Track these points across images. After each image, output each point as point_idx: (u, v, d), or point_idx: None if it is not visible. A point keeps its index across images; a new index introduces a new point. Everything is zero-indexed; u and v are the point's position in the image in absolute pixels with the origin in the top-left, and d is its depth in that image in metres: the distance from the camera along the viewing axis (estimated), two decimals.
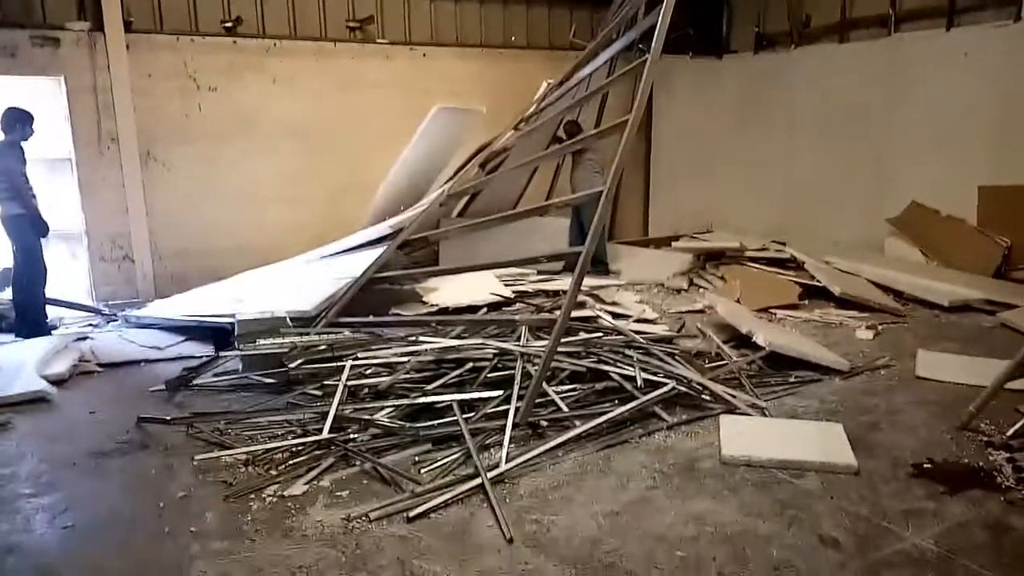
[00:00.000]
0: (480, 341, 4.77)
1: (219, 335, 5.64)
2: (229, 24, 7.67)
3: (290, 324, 5.12)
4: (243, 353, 4.77)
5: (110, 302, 7.13)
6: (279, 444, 3.74)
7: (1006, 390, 3.89)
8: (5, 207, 5.70)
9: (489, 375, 4.32)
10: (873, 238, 8.01)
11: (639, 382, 4.26)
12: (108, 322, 6.45)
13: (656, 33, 4.37)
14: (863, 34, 8.32)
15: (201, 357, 5.27)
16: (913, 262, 7.40)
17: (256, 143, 7.78)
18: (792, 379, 4.67)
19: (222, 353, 5.19)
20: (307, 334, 5.03)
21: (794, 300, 6.49)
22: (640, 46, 8.96)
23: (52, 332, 5.95)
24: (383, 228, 6.54)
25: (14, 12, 6.78)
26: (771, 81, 9.34)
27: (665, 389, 4.19)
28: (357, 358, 4.53)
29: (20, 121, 5.75)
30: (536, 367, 4.15)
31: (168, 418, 4.12)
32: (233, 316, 5.26)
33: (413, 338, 4.89)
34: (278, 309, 5.34)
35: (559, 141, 7.75)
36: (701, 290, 7.18)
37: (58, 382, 4.85)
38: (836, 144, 8.49)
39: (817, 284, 6.68)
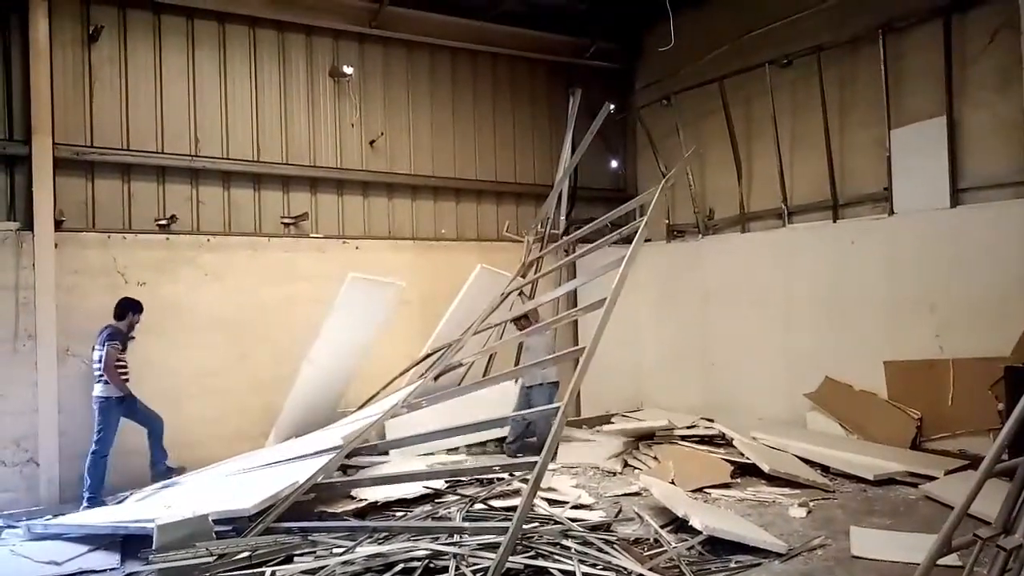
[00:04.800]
0: (410, 544, 4.54)
1: (129, 545, 5.20)
2: (163, 222, 7.86)
3: (213, 529, 4.78)
4: (154, 568, 4.39)
5: (5, 512, 6.54)
6: None
7: (939, 566, 3.92)
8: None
9: None
10: (792, 411, 8.30)
11: None
12: (1, 534, 5.88)
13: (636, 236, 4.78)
14: (760, 225, 9.18)
15: (104, 571, 4.81)
16: (835, 435, 7.65)
17: (183, 337, 7.70)
18: (732, 564, 4.59)
19: (131, 569, 4.76)
20: (233, 541, 4.70)
21: (727, 479, 6.53)
22: (565, 235, 9.71)
23: None
24: (334, 438, 6.35)
25: None
26: (684, 267, 10.03)
27: None
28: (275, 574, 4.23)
29: (131, 309, 7.05)
30: (471, 568, 3.97)
31: None
32: (153, 521, 4.88)
33: (343, 542, 4.64)
34: (209, 509, 5.01)
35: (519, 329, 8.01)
36: (636, 471, 7.16)
37: None
38: (748, 323, 9.01)
39: (747, 461, 6.77)
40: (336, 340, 7.49)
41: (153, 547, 4.58)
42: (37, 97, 7.10)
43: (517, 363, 8.78)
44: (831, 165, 8.14)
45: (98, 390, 6.75)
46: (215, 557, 4.40)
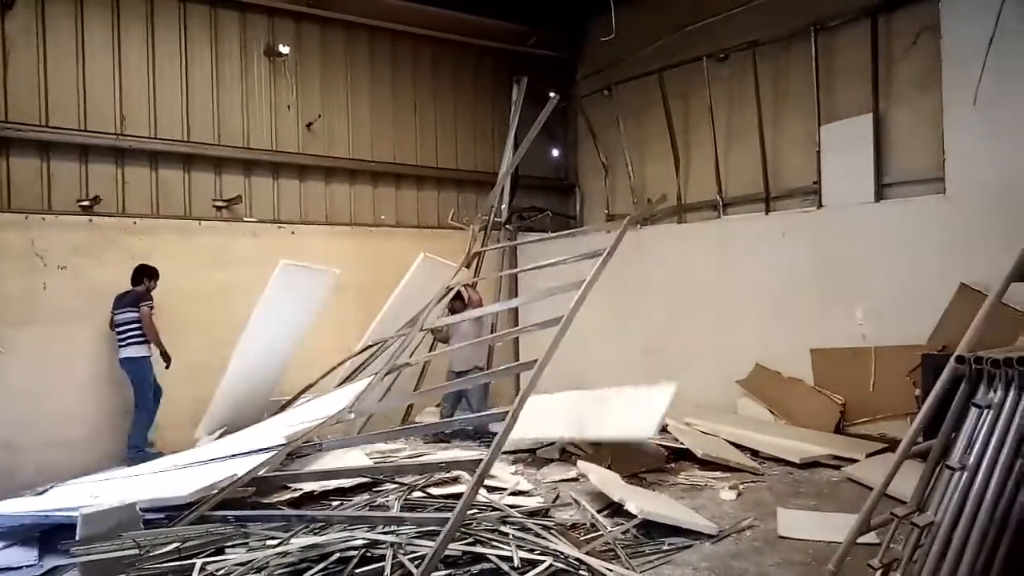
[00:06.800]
0: (346, 533, 4.48)
1: (48, 539, 4.97)
2: (86, 203, 7.51)
3: (141, 519, 4.61)
4: (76, 561, 4.21)
5: None
6: None
7: (859, 544, 4.11)
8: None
9: (356, 570, 4.04)
10: (726, 398, 8.53)
11: (516, 561, 4.13)
12: None
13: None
14: (697, 216, 9.38)
15: (21, 568, 4.59)
16: (764, 421, 7.91)
17: (105, 323, 7.38)
18: (665, 547, 4.70)
19: (50, 564, 4.55)
20: (161, 531, 4.53)
21: (661, 464, 6.67)
22: (507, 226, 9.74)
23: None
24: (276, 436, 6.17)
25: None
26: (624, 256, 10.12)
27: (542, 568, 4.07)
28: (206, 566, 4.11)
29: (146, 275, 7.34)
30: (409, 556, 3.95)
31: None
32: (77, 510, 4.66)
33: (278, 533, 4.54)
34: (140, 497, 4.83)
35: (451, 310, 7.99)
36: (573, 457, 7.23)
37: None
38: (685, 311, 9.20)
39: (681, 446, 6.93)
40: (268, 329, 7.31)
41: (77, 538, 4.38)
42: None
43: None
44: (764, 158, 8.37)
45: (129, 351, 7.11)
46: (141, 549, 4.24)
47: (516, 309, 10.28)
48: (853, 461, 6.46)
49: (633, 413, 6.25)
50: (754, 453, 6.93)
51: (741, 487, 6.00)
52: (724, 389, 8.61)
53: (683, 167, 9.48)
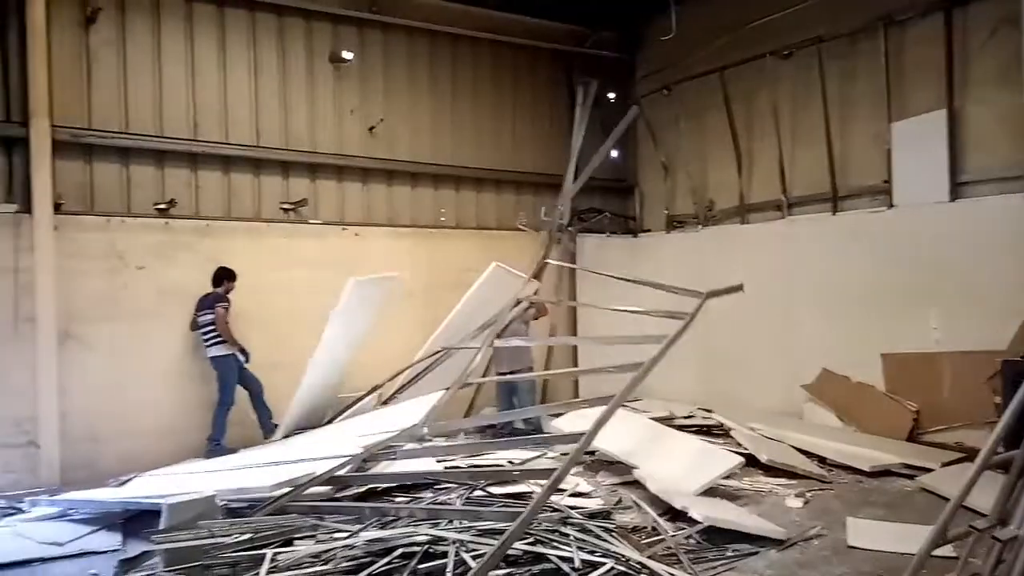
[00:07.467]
0: (410, 529, 4.57)
1: (131, 526, 5.23)
2: (163, 206, 7.83)
3: (220, 510, 4.83)
4: (158, 548, 4.41)
5: (7, 493, 6.55)
6: None
7: (934, 557, 3.97)
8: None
9: (419, 566, 4.11)
10: (790, 403, 8.34)
11: (577, 562, 4.14)
12: (3, 516, 5.89)
13: None
14: (760, 216, 9.19)
15: (106, 552, 4.84)
16: (832, 427, 7.70)
17: (180, 322, 7.70)
18: (729, 553, 4.63)
19: (133, 550, 4.78)
20: (236, 521, 4.73)
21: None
22: (569, 228, 9.77)
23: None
24: (353, 443, 6.35)
25: None
26: (684, 257, 10.04)
27: (604, 570, 4.07)
28: (277, 556, 4.25)
29: (226, 277, 7.68)
30: (471, 553, 4.00)
31: None
32: (162, 499, 4.90)
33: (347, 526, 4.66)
34: (221, 489, 5.06)
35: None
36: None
37: None
38: (746, 314, 9.01)
39: (745, 451, 6.81)
40: (338, 337, 7.53)
41: (161, 526, 4.61)
42: (34, 79, 7.06)
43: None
44: (831, 157, 8.15)
45: (213, 351, 7.50)
46: (217, 538, 4.42)
47: (575, 314, 10.30)
48: (927, 471, 6.25)
49: (685, 469, 6.01)
50: (821, 460, 6.76)
51: (808, 495, 5.87)
52: (787, 394, 8.42)
53: (745, 166, 9.31)
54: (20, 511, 5.95)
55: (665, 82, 10.10)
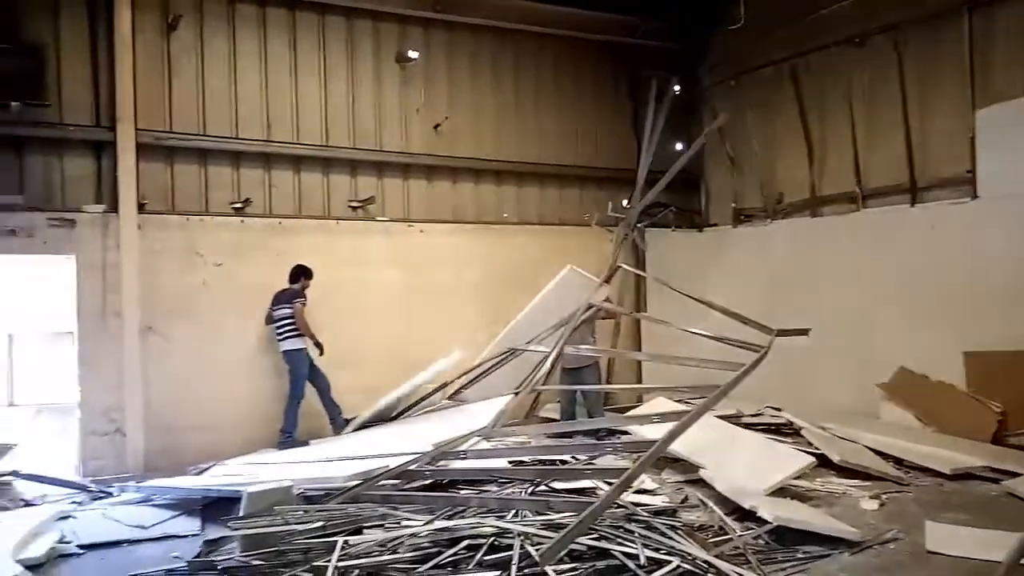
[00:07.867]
0: (476, 520, 4.63)
1: (209, 512, 5.47)
2: (238, 205, 8.13)
3: (296, 498, 4.99)
4: (236, 534, 4.60)
5: (97, 478, 6.94)
6: None
7: (1022, 565, 3.78)
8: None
9: (485, 557, 4.16)
10: (864, 402, 8.04)
11: (642, 560, 4.11)
12: (93, 499, 6.25)
13: None
14: (832, 209, 8.89)
15: (187, 536, 5.09)
16: (910, 427, 7.39)
17: (254, 319, 7.97)
18: (800, 554, 4.52)
19: (210, 534, 5.00)
20: (310, 508, 4.90)
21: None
22: (638, 225, 9.67)
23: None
24: (425, 441, 6.46)
25: (36, 198, 7.21)
26: (751, 251, 9.81)
27: (670, 568, 4.03)
28: (347, 543, 4.37)
29: (302, 274, 7.90)
30: (534, 546, 4.03)
31: None
32: (241, 488, 5.13)
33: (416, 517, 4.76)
34: (298, 478, 5.25)
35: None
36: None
37: (34, 566, 4.62)
38: (817, 310, 8.74)
39: (816, 451, 6.61)
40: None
41: (241, 513, 4.81)
42: (121, 85, 7.43)
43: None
44: (909, 147, 7.82)
45: (287, 344, 7.72)
46: (291, 525, 4.58)
47: (644, 303, 10.21)
48: (1014, 475, 5.92)
49: (753, 468, 5.86)
50: (898, 461, 6.51)
51: (884, 497, 5.66)
52: (860, 392, 8.13)
53: (816, 158, 9.02)
54: (109, 495, 6.29)
55: (730, 73, 9.88)
